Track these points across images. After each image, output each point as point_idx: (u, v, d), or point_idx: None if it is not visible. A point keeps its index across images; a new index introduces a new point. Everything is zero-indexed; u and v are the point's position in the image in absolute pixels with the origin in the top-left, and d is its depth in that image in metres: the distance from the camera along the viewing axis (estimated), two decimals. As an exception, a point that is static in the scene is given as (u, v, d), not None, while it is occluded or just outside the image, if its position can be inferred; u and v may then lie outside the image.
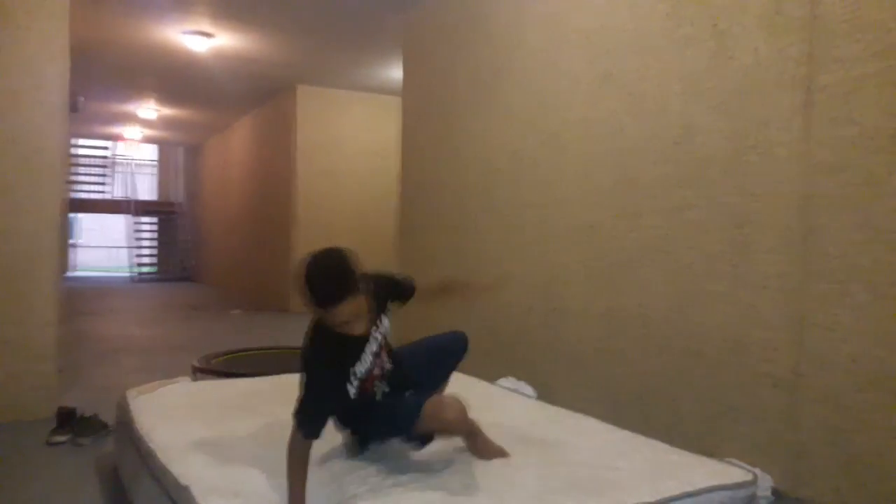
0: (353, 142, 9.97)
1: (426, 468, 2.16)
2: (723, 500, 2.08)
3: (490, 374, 3.69)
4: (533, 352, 4.47)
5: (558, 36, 4.34)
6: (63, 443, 3.53)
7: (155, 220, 18.25)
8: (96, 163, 17.73)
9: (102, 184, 17.62)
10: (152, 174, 19.90)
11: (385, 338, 2.32)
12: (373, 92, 9.74)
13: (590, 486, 2.02)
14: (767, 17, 3.02)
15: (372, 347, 2.23)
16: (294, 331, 5.87)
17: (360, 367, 2.18)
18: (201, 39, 7.37)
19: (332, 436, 2.47)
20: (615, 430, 2.64)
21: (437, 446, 2.39)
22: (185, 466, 2.14)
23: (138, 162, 19.27)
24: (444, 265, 5.71)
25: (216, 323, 8.49)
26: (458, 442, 2.41)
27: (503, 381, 3.47)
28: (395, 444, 2.30)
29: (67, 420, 3.62)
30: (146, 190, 19.34)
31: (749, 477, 2.17)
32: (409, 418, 2.13)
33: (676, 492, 2.02)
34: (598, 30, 4.00)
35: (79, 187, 17.21)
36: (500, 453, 2.28)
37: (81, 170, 17.59)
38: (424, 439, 2.27)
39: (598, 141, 3.97)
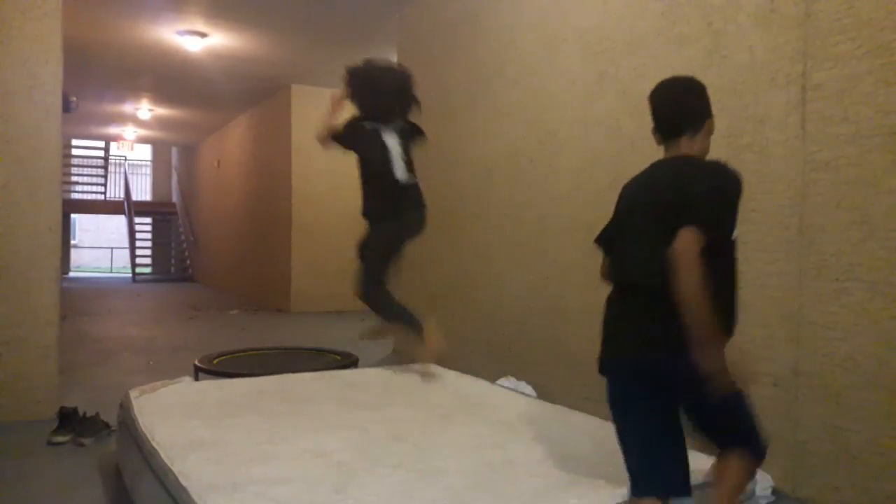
0: (348, 141, 9.96)
1: (430, 465, 2.18)
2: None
3: (490, 374, 3.71)
4: (532, 351, 4.49)
5: (554, 35, 4.36)
6: (64, 443, 3.54)
7: (151, 220, 18.22)
8: (92, 163, 17.70)
9: (98, 184, 17.59)
10: (147, 174, 19.84)
11: None
12: (368, 91, 9.74)
13: (590, 483, 2.04)
14: (762, 15, 3.04)
15: None
16: (292, 331, 5.89)
17: None
18: (195, 39, 7.36)
19: (338, 430, 2.49)
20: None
21: (445, 441, 2.41)
22: (187, 465, 2.16)
23: (133, 162, 19.23)
24: (442, 264, 5.73)
25: (215, 323, 8.50)
26: (467, 439, 2.43)
27: (503, 381, 3.49)
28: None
29: (69, 420, 3.63)
30: (141, 190, 19.28)
31: (746, 473, 2.19)
32: None
33: (676, 487, 2.04)
34: (595, 29, 4.01)
35: (75, 188, 17.19)
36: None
37: (77, 170, 17.56)
38: None
39: (594, 139, 3.99)
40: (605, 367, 2.04)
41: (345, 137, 3.71)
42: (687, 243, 1.73)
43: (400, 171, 3.68)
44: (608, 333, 2.03)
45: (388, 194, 3.67)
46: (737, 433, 2.00)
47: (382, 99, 3.69)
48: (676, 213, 1.78)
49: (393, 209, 3.68)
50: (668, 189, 1.91)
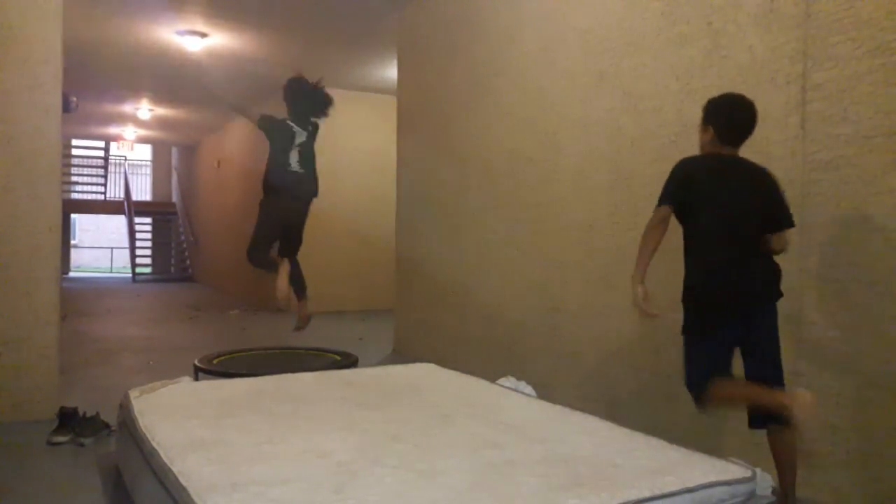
0: (349, 141, 9.97)
1: (430, 465, 2.18)
2: (721, 496, 2.09)
3: (490, 374, 3.71)
4: (532, 351, 4.49)
5: (555, 35, 4.36)
6: (64, 443, 3.54)
7: (151, 220, 18.22)
8: (92, 163, 17.70)
9: (98, 184, 17.60)
10: (147, 174, 19.84)
11: None
12: (368, 91, 9.74)
13: (590, 483, 2.04)
14: (762, 15, 3.04)
15: None
16: (292, 331, 5.90)
17: None
18: (195, 39, 7.36)
19: (338, 430, 2.50)
20: (615, 428, 2.66)
21: (445, 441, 2.41)
22: (187, 465, 2.16)
23: (133, 162, 19.23)
24: (443, 263, 5.73)
25: (215, 323, 8.50)
26: (467, 439, 2.43)
27: (503, 381, 3.48)
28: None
29: (69, 420, 3.63)
30: (141, 190, 19.29)
31: (748, 473, 2.19)
32: None
33: (675, 487, 2.04)
34: (594, 28, 4.01)
35: (75, 188, 17.18)
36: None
37: (77, 170, 17.56)
38: None
39: (594, 140, 3.99)
40: (731, 299, 2.57)
41: (268, 124, 4.68)
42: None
43: (293, 160, 4.64)
44: (742, 268, 2.58)
45: (280, 176, 4.62)
46: (778, 368, 2.59)
47: (302, 104, 4.75)
48: (778, 208, 2.61)
49: (277, 190, 4.61)
50: (772, 186, 2.64)
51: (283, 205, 4.67)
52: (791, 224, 2.62)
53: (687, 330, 2.62)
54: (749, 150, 3.07)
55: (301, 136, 4.69)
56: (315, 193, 4.83)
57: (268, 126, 4.70)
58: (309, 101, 4.78)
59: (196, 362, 4.34)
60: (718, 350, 2.54)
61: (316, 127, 4.83)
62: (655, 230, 2.63)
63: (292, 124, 4.68)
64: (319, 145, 10.09)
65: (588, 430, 2.61)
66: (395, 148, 6.78)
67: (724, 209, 2.57)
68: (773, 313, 2.60)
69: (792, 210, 2.90)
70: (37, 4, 4.04)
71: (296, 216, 4.77)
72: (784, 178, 2.93)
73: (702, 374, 2.52)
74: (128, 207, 17.01)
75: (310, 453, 2.29)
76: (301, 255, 11.63)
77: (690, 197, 2.61)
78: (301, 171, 4.68)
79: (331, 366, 4.37)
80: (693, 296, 2.60)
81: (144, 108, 11.80)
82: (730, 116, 2.66)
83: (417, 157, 6.27)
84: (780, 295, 2.60)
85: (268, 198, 4.69)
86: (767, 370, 2.56)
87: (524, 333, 4.58)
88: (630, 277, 2.63)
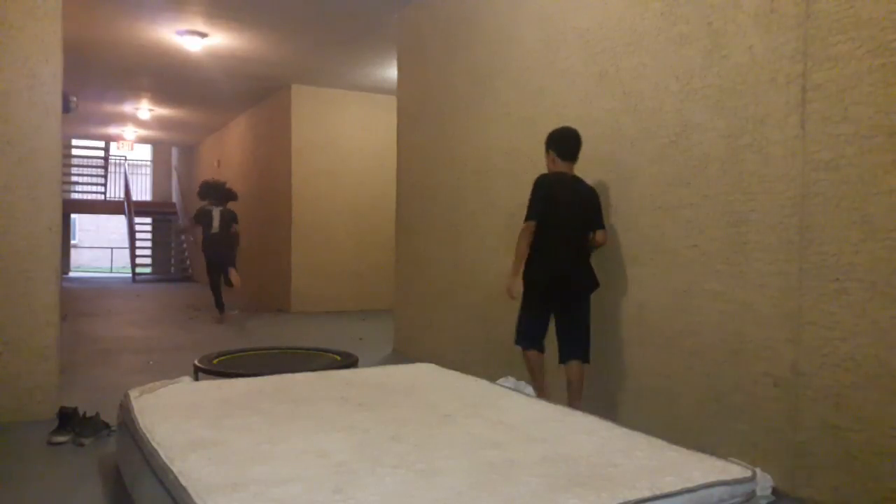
0: (349, 141, 9.97)
1: (430, 465, 2.18)
2: (721, 495, 2.09)
3: (490, 374, 3.71)
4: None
5: (554, 35, 4.36)
6: (64, 443, 3.53)
7: (151, 220, 18.22)
8: (92, 163, 17.70)
9: (98, 184, 17.60)
10: (147, 174, 19.85)
11: None
12: (368, 91, 9.75)
13: (590, 483, 2.04)
14: (762, 14, 3.04)
15: None
16: (292, 331, 5.90)
17: None
18: (195, 39, 7.36)
19: (338, 430, 2.50)
20: (615, 428, 2.66)
21: (445, 441, 2.41)
22: (187, 465, 2.16)
23: (133, 162, 19.23)
24: (442, 263, 5.73)
25: (215, 323, 8.50)
26: (467, 439, 2.43)
27: (503, 381, 3.48)
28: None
29: (69, 420, 3.63)
30: (141, 190, 19.29)
31: (748, 473, 2.19)
32: None
33: (675, 487, 2.04)
34: (594, 28, 4.01)
35: (75, 188, 17.18)
36: None
37: (77, 170, 17.56)
38: None
39: (594, 140, 3.99)
40: (565, 280, 3.69)
41: (196, 217, 8.39)
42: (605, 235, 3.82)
43: (215, 227, 8.21)
44: (571, 265, 3.69)
45: (207, 239, 8.30)
46: (587, 338, 3.74)
47: (212, 195, 8.42)
48: (596, 214, 3.77)
49: (208, 246, 8.34)
50: (594, 196, 3.78)
51: (210, 253, 8.37)
52: (602, 227, 3.73)
53: (525, 304, 3.74)
54: (749, 151, 3.08)
55: (216, 212, 8.27)
56: (233, 247, 8.40)
57: (194, 215, 8.41)
58: (214, 194, 8.36)
59: (196, 362, 4.34)
60: (544, 320, 3.72)
61: (229, 210, 8.40)
62: (526, 241, 3.64)
63: (209, 207, 8.31)
64: (320, 145, 10.68)
65: (588, 430, 2.61)
66: (393, 148, 6.78)
67: (564, 216, 3.59)
68: (588, 300, 3.71)
69: (792, 210, 2.92)
70: (37, 4, 4.04)
71: (217, 258, 8.30)
72: (784, 178, 2.94)
73: (528, 334, 3.75)
74: (128, 207, 17.00)
75: (310, 453, 2.29)
76: (301, 256, 11.69)
77: (546, 208, 3.59)
78: (219, 231, 8.22)
79: (331, 366, 4.37)
80: (534, 281, 3.64)
81: (144, 108, 11.80)
82: (563, 141, 3.73)
83: (417, 157, 6.27)
84: (597, 286, 3.68)
85: (203, 250, 8.39)
86: (577, 339, 3.68)
87: (524, 333, 4.57)
88: (510, 276, 3.75)
